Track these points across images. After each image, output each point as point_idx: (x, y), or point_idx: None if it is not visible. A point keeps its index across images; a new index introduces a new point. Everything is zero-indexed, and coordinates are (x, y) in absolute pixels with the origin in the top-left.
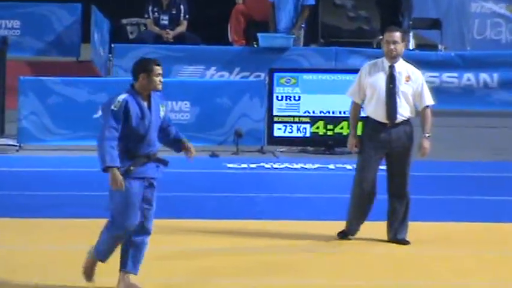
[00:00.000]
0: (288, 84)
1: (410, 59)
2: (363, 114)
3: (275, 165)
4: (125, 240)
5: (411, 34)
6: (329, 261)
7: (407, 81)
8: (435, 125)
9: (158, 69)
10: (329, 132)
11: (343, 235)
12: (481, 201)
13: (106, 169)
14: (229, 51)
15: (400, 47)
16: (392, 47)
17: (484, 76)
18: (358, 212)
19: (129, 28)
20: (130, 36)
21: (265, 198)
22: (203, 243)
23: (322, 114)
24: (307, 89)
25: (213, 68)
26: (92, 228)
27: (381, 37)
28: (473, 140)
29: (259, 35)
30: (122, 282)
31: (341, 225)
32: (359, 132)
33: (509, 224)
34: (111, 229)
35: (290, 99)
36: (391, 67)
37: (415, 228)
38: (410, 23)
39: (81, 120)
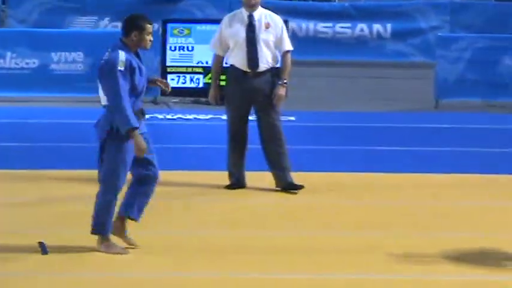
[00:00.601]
0: (181, 35)
1: (304, 9)
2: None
3: (168, 116)
4: (131, 189)
5: None
6: (220, 211)
7: (267, 28)
8: (329, 75)
9: (150, 28)
10: (222, 83)
11: (231, 187)
12: (371, 151)
13: (130, 131)
14: (122, 2)
15: None
16: None
17: (377, 27)
18: (238, 162)
19: None
20: None
21: (158, 148)
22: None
23: None
24: (200, 40)
25: (107, 19)
26: None
27: None
28: (366, 90)
29: None
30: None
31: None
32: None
33: (399, 174)
34: (105, 194)
35: (183, 50)
36: (250, 16)
37: (305, 177)
38: None
39: None
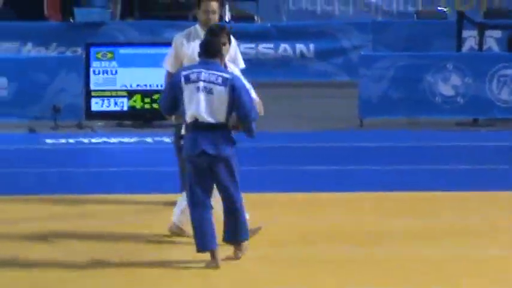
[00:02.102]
0: (104, 59)
1: None
2: None
3: (93, 140)
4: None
5: (227, 6)
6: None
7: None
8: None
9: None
10: (146, 106)
11: None
12: (296, 171)
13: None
14: (45, 26)
15: (215, 17)
16: (210, 16)
17: (300, 47)
18: None
19: None
20: None
21: (82, 172)
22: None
23: (139, 88)
24: (124, 63)
25: (30, 44)
26: None
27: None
28: (291, 110)
29: (75, 9)
30: None
31: (157, 197)
32: None
33: (326, 193)
34: (243, 207)
35: (107, 74)
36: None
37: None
38: None
39: None
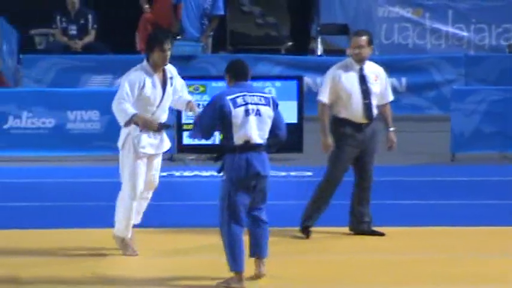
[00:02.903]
0: (196, 92)
1: (319, 64)
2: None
3: (185, 173)
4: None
5: (319, 40)
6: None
7: (375, 80)
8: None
9: None
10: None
11: (306, 231)
12: (389, 206)
13: None
14: (137, 60)
15: (366, 51)
16: (357, 51)
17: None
18: (323, 206)
19: (37, 38)
20: (39, 47)
21: (178, 206)
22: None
23: None
24: None
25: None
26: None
27: (290, 43)
28: (382, 144)
29: None
30: None
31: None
32: None
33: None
34: None
35: (199, 107)
36: (361, 69)
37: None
38: (318, 29)
39: None
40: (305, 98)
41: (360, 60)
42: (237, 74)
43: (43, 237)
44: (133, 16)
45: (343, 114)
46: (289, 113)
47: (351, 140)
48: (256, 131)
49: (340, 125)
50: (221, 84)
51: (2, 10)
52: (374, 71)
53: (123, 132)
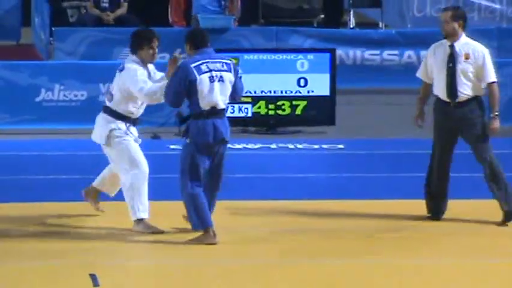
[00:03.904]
0: None
1: (350, 37)
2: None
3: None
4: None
5: (351, 13)
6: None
7: (466, 59)
8: (377, 103)
9: None
10: (270, 112)
11: (435, 216)
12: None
13: None
14: (169, 32)
15: (450, 26)
16: (442, 27)
17: (424, 53)
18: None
19: (69, 11)
20: (71, 20)
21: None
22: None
23: (263, 94)
24: (248, 69)
25: None
26: (32, 213)
27: (322, 16)
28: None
29: (199, 16)
30: None
31: (285, 205)
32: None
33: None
34: None
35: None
36: (451, 46)
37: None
38: (351, 1)
39: (22, 104)
40: (337, 71)
41: (447, 36)
42: (197, 42)
43: (86, 210)
44: None
45: (435, 90)
46: (322, 85)
47: (440, 117)
48: (220, 96)
49: (434, 101)
50: (253, 56)
51: None
52: (467, 49)
53: (106, 128)
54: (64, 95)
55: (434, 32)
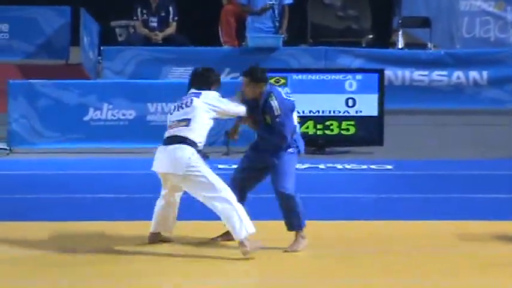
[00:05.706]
0: (277, 84)
1: (399, 58)
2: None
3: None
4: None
5: (400, 33)
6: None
7: None
8: (426, 123)
9: None
10: (319, 132)
11: None
12: (473, 199)
13: None
14: (218, 52)
15: None
16: None
17: (473, 74)
18: None
19: (118, 30)
20: (120, 39)
21: (255, 198)
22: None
23: (311, 114)
24: (296, 89)
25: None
26: (80, 231)
27: (371, 36)
28: (463, 138)
29: (248, 35)
30: None
31: (351, 225)
32: None
33: (498, 221)
34: None
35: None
36: None
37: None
38: (400, 22)
39: (71, 123)
40: (386, 91)
41: None
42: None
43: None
44: (213, 8)
45: None
46: (370, 106)
47: None
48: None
49: None
50: (302, 76)
51: (83, 2)
52: None
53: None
54: (112, 114)
55: (483, 53)
